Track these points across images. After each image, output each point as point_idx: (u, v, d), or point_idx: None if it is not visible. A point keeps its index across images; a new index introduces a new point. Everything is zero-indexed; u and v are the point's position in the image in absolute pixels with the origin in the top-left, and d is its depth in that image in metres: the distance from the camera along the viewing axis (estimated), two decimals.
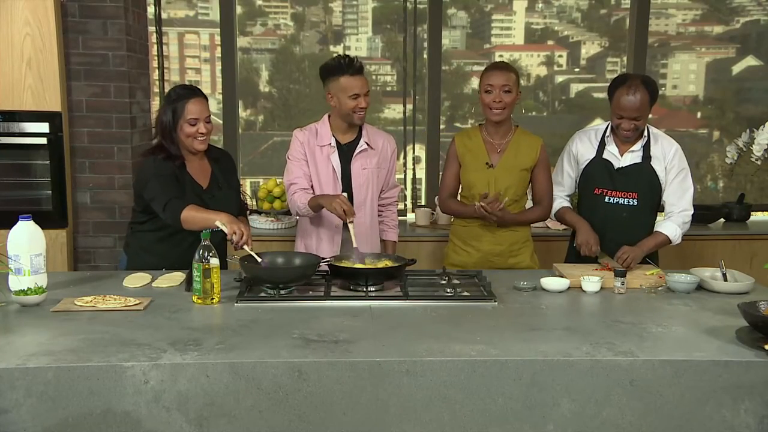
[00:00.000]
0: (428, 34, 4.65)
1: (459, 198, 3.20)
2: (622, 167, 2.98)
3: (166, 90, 4.64)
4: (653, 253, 3.02)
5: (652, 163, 2.96)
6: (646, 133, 2.97)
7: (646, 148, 2.96)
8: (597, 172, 3.03)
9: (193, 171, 2.86)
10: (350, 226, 2.79)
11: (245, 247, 2.57)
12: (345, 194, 2.93)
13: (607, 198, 3.01)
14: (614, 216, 2.99)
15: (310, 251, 2.99)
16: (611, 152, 3.00)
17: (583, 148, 3.07)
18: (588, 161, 3.05)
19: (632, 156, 2.97)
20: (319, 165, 3.05)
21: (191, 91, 2.81)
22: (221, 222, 2.57)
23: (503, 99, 2.93)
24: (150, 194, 2.74)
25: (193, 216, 2.64)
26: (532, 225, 4.13)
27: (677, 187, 2.97)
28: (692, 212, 3.00)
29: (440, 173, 4.65)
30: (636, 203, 2.98)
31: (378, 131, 3.20)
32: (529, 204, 3.26)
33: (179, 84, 2.90)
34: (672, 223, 2.95)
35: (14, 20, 3.64)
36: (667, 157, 2.95)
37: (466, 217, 3.09)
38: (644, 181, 2.96)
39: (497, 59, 5.11)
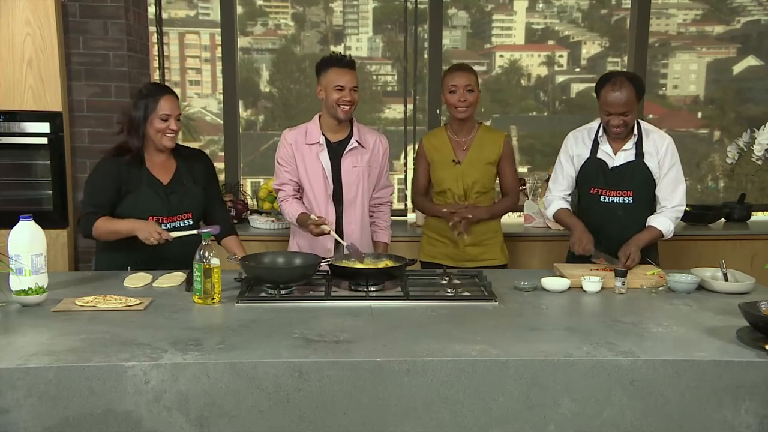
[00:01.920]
0: (429, 34, 4.65)
1: (432, 196, 3.33)
2: (616, 166, 2.99)
3: None
4: (654, 253, 3.02)
5: (645, 160, 2.96)
6: (636, 131, 2.97)
7: (639, 145, 2.97)
8: (592, 171, 3.04)
9: (155, 168, 2.86)
10: (332, 233, 2.86)
11: (173, 235, 2.69)
12: (312, 216, 2.90)
13: (602, 197, 3.02)
14: (610, 215, 3.00)
15: (303, 251, 2.99)
16: (605, 151, 3.01)
17: (578, 147, 3.08)
18: (584, 161, 3.05)
19: (626, 154, 2.98)
20: (308, 164, 3.05)
21: (164, 89, 2.86)
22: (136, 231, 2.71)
23: (467, 98, 3.11)
24: (83, 198, 2.86)
25: (99, 229, 2.77)
26: (529, 224, 4.16)
27: (670, 181, 2.97)
28: (684, 207, 3.01)
29: None
30: (631, 201, 2.98)
31: (370, 130, 3.20)
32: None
33: (149, 81, 2.93)
34: (665, 218, 2.96)
35: (15, 20, 3.64)
36: (660, 151, 2.96)
37: (434, 215, 3.24)
38: (638, 179, 2.97)
39: (498, 59, 5.13)
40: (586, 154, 3.04)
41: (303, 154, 3.05)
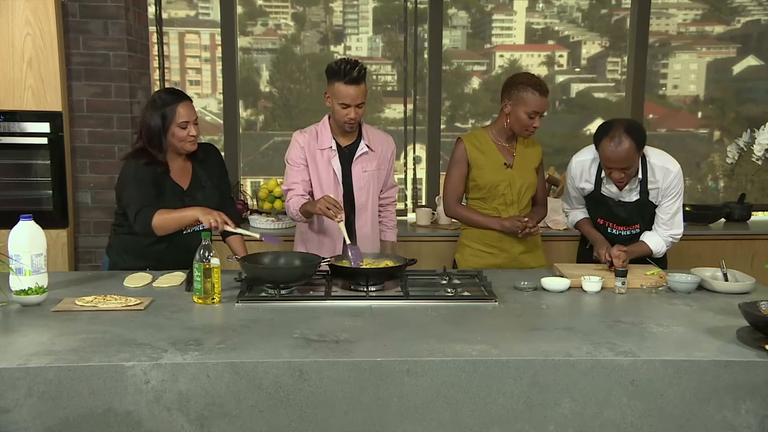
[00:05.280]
0: (429, 34, 4.65)
1: (468, 201, 3.18)
2: (622, 203, 2.93)
3: None
4: (663, 260, 3.01)
5: (650, 197, 2.89)
6: (640, 172, 2.85)
7: (644, 184, 2.87)
8: (598, 204, 2.99)
9: (175, 173, 2.84)
10: (340, 225, 2.78)
11: (228, 228, 2.65)
12: (339, 195, 2.91)
13: (609, 229, 3.00)
14: (617, 241, 2.94)
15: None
16: (609, 190, 2.93)
17: (582, 180, 2.99)
18: (588, 192, 3.01)
19: (630, 194, 2.90)
20: (320, 169, 3.04)
21: (179, 96, 2.80)
22: (197, 216, 2.66)
23: (539, 125, 2.98)
24: (126, 200, 2.75)
25: (164, 219, 2.69)
26: None
27: (669, 208, 2.90)
28: (681, 233, 2.94)
29: (441, 174, 4.68)
30: (638, 231, 2.97)
31: (378, 132, 3.18)
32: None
33: (163, 89, 2.87)
34: (660, 239, 2.91)
35: (15, 20, 3.64)
36: (664, 185, 2.86)
37: (483, 228, 3.08)
38: (646, 215, 2.93)
39: (498, 59, 5.13)
40: (590, 187, 2.97)
41: (315, 158, 3.04)
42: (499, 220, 3.04)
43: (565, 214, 3.24)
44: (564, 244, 3.99)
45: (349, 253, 2.73)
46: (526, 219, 2.99)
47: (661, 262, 3.00)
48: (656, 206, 2.91)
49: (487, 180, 3.05)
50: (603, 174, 2.89)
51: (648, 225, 2.95)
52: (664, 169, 2.84)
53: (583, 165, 2.97)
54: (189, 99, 2.81)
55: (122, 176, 2.80)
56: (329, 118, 3.07)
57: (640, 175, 2.86)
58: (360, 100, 2.91)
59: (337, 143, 3.05)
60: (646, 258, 2.94)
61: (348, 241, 2.78)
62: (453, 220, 3.89)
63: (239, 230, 2.69)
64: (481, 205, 3.11)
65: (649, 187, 2.87)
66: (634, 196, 2.91)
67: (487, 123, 3.13)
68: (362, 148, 3.06)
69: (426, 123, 4.75)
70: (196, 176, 2.89)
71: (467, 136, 3.12)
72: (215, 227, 2.65)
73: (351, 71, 2.86)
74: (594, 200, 3.00)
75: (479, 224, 3.08)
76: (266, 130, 5.10)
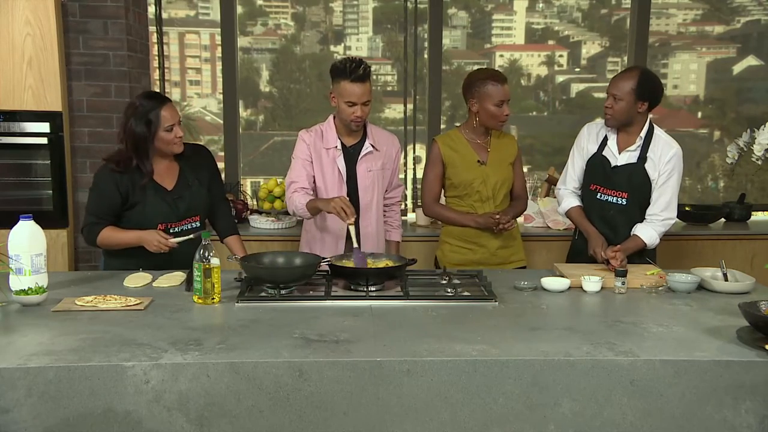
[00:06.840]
0: (429, 34, 4.65)
1: (446, 199, 3.23)
2: (617, 166, 2.97)
3: (167, 90, 4.65)
4: (652, 252, 3.02)
5: (646, 165, 2.93)
6: (643, 134, 2.93)
7: (644, 149, 2.94)
8: (595, 167, 3.03)
9: (159, 174, 2.84)
10: (350, 228, 2.77)
11: (173, 241, 2.73)
12: (345, 195, 2.91)
13: (599, 195, 3.02)
14: (603, 213, 3.00)
15: (314, 252, 2.98)
16: (610, 149, 3.00)
17: (589, 141, 3.07)
18: (590, 155, 3.05)
19: (629, 156, 2.96)
20: (325, 168, 3.04)
21: (160, 99, 2.81)
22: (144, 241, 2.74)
23: (509, 112, 3.03)
24: (86, 206, 2.85)
25: (108, 237, 2.79)
26: (529, 224, 4.15)
27: (664, 192, 2.93)
28: (674, 220, 2.98)
29: None
30: (625, 203, 2.96)
31: (382, 132, 3.19)
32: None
33: (141, 94, 2.89)
34: (652, 230, 2.92)
35: (15, 20, 3.64)
36: (662, 160, 2.92)
37: (459, 225, 3.13)
38: (635, 183, 2.95)
39: (498, 59, 5.13)
40: (594, 148, 3.04)
41: (320, 157, 3.04)
42: (474, 217, 3.09)
43: (557, 200, 3.23)
44: (564, 243, 3.98)
45: (354, 258, 2.71)
46: (497, 216, 3.01)
47: (651, 254, 3.00)
48: (649, 182, 2.93)
49: (462, 178, 3.10)
50: (610, 129, 3.00)
51: (634, 197, 2.95)
52: (666, 143, 2.94)
53: (596, 127, 3.08)
54: (170, 101, 2.82)
55: (93, 179, 2.85)
56: (334, 118, 3.08)
57: (643, 135, 2.93)
58: (366, 98, 2.92)
59: (341, 143, 3.05)
60: (646, 258, 2.94)
61: (356, 245, 2.76)
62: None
63: (181, 239, 2.75)
64: (457, 203, 3.15)
65: (648, 154, 2.93)
66: (631, 159, 2.95)
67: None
68: (367, 147, 3.06)
69: (426, 123, 4.75)
70: (183, 176, 2.89)
71: (441, 137, 3.19)
72: (161, 250, 2.71)
73: (356, 69, 2.88)
74: (592, 164, 3.04)
75: (455, 221, 3.13)
76: (266, 130, 5.10)
